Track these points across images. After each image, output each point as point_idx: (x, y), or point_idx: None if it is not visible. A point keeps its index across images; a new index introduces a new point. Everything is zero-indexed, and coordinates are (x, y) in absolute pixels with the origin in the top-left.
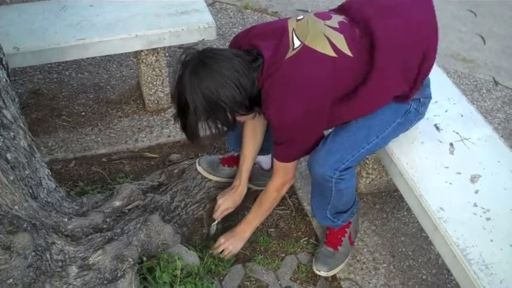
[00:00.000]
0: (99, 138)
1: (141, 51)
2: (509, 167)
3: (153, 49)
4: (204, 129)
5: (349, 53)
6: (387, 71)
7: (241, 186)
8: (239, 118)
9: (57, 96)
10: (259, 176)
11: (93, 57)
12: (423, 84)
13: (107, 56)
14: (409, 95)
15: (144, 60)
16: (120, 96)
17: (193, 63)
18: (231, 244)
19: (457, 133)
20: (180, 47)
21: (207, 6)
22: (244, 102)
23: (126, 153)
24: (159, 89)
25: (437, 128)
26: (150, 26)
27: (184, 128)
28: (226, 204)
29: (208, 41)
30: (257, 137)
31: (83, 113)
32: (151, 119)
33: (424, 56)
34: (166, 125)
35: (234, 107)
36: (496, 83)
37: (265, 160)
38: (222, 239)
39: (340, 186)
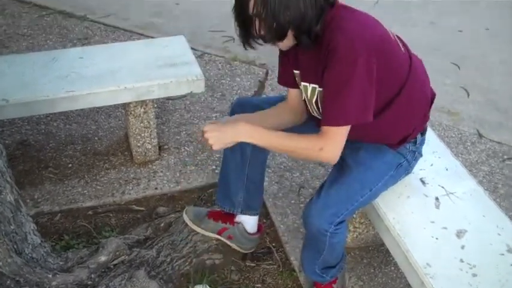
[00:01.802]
0: (85, 191)
1: (130, 103)
2: (495, 222)
3: (142, 101)
4: (255, 25)
5: (402, 49)
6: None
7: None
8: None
9: (44, 147)
10: (242, 239)
11: (81, 108)
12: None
13: (96, 106)
14: (412, 134)
15: (133, 112)
16: (107, 147)
17: None
18: (215, 137)
19: (443, 187)
20: (168, 98)
21: (196, 58)
22: (304, 25)
23: (112, 206)
24: (147, 141)
25: (423, 182)
26: (139, 78)
27: (239, 14)
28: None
29: (196, 94)
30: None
31: (70, 165)
32: (138, 171)
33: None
34: (154, 177)
35: (295, 21)
36: (480, 135)
37: (250, 221)
38: (208, 127)
39: (334, 240)
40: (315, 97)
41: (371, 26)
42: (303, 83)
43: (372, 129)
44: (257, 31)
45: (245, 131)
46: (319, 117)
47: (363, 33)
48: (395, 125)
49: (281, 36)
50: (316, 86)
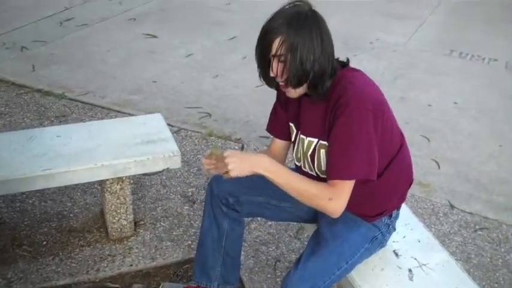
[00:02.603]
0: (59, 269)
1: (106, 179)
2: None
3: (118, 178)
4: (273, 67)
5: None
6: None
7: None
8: (288, 90)
9: (19, 225)
10: None
11: None
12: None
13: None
14: (388, 209)
15: (109, 189)
16: (83, 224)
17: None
18: (235, 163)
19: (415, 259)
20: (144, 174)
21: (173, 133)
22: (323, 77)
23: (87, 283)
24: (123, 217)
25: (396, 254)
26: (116, 156)
27: (260, 55)
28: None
29: (172, 170)
30: None
31: (45, 242)
32: (113, 248)
33: None
34: (129, 253)
35: (317, 72)
36: (452, 206)
37: None
38: (229, 153)
39: None
40: (311, 150)
41: (377, 88)
42: (300, 136)
43: (357, 195)
44: (276, 73)
45: (264, 164)
46: (310, 172)
47: (371, 91)
48: (379, 196)
49: (300, 82)
50: (315, 139)
